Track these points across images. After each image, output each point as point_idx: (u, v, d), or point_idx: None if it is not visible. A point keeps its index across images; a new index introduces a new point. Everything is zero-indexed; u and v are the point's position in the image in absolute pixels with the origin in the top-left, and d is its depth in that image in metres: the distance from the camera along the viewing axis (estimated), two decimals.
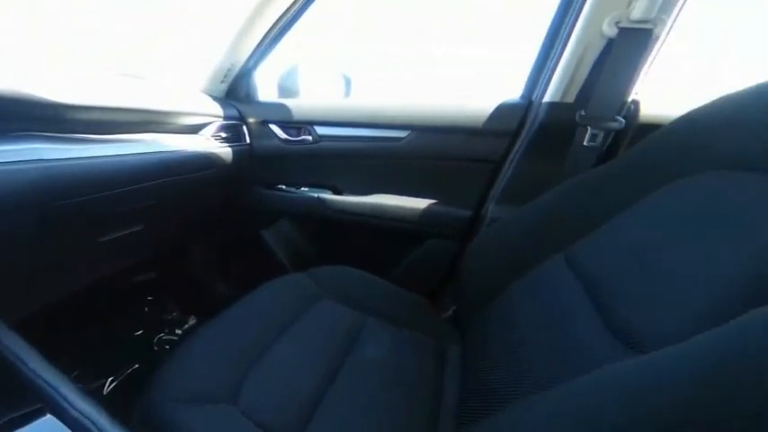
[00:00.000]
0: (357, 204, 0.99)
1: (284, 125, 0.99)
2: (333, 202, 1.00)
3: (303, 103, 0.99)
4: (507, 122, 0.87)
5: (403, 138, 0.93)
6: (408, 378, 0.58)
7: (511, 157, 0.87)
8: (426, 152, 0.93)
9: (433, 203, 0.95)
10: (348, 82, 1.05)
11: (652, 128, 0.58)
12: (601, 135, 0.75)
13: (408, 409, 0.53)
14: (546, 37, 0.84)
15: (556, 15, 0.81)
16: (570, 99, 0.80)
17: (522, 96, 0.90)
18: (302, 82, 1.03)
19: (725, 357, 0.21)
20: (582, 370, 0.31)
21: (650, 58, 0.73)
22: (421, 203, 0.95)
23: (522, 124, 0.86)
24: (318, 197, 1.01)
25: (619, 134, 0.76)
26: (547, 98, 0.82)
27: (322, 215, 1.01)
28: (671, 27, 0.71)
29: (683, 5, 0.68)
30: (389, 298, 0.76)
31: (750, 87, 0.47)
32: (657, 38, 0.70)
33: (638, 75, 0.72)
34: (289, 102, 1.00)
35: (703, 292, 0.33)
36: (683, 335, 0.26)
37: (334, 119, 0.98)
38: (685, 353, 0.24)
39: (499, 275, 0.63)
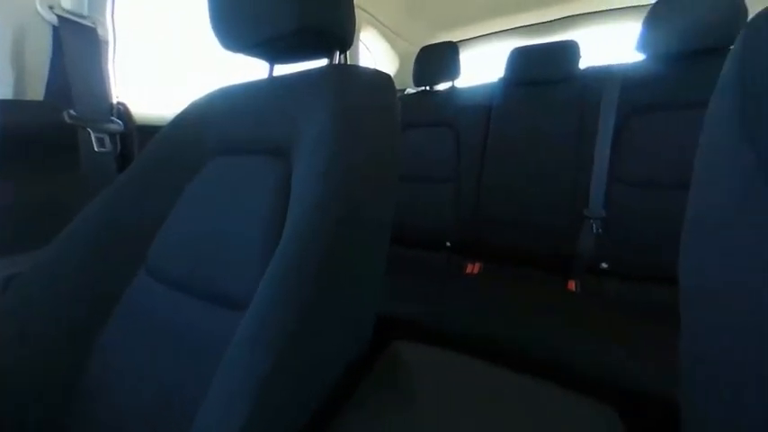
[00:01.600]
0: None
1: None
2: None
3: None
4: None
5: None
6: None
7: None
8: None
9: None
10: None
11: (152, 129, 0.62)
12: (106, 138, 0.66)
13: None
14: None
15: None
16: (37, 96, 0.61)
17: None
18: None
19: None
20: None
21: (111, 58, 0.72)
22: None
23: None
24: None
25: (125, 137, 0.73)
26: None
27: None
28: (114, 30, 0.72)
29: (113, 10, 0.71)
30: None
31: (212, 92, 0.62)
32: (107, 41, 0.70)
33: (109, 74, 0.70)
34: None
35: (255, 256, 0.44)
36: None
37: None
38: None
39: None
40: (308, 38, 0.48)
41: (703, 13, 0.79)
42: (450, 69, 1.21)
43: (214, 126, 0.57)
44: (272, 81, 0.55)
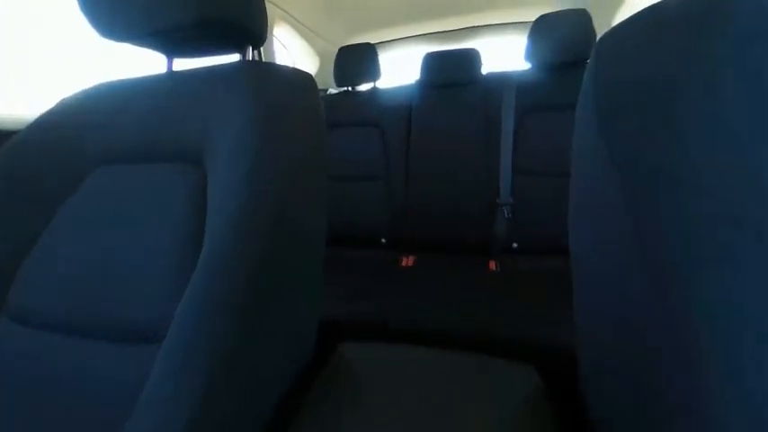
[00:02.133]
0: None
1: None
2: None
3: None
4: None
5: None
6: None
7: None
8: None
9: None
10: None
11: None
12: None
13: None
14: None
15: None
16: None
17: None
18: None
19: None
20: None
21: None
22: None
23: None
24: None
25: None
26: None
27: None
28: None
29: None
30: None
31: (89, 89, 0.51)
32: None
33: None
34: None
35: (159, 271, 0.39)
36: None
37: None
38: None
39: None
40: (214, 30, 0.43)
41: (566, 32, 0.98)
42: (371, 70, 1.23)
43: (96, 130, 0.47)
44: (173, 76, 0.48)
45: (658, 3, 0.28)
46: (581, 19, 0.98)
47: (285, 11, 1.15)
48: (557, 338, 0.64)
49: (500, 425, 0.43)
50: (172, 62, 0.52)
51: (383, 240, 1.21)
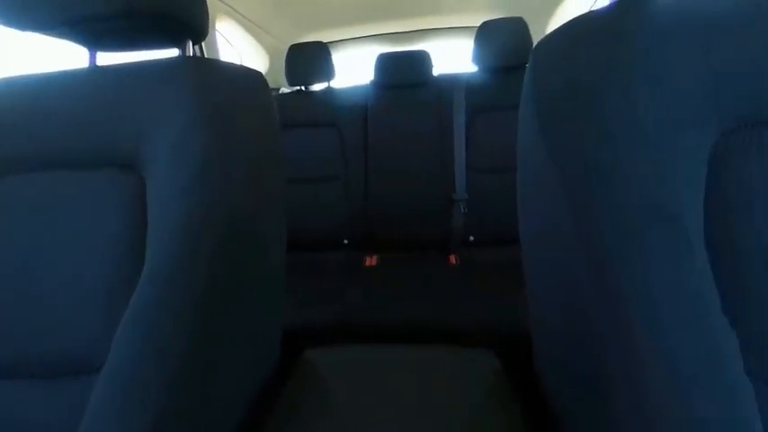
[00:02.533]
0: None
1: None
2: None
3: None
4: None
5: None
6: None
7: None
8: None
9: None
10: None
11: None
12: None
13: None
14: None
15: None
16: None
17: None
18: None
19: None
20: None
21: None
22: None
23: None
24: None
25: None
26: None
27: None
28: None
29: None
30: None
31: None
32: None
33: None
34: None
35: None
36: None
37: None
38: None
39: None
40: (144, 22, 0.39)
41: (506, 38, 1.07)
42: (324, 70, 1.21)
43: (4, 132, 0.40)
44: (96, 72, 0.42)
45: (585, 13, 0.31)
46: (518, 27, 1.06)
47: (228, 5, 1.08)
48: (514, 323, 0.69)
49: (465, 409, 0.45)
50: (95, 56, 0.46)
51: (345, 242, 1.20)
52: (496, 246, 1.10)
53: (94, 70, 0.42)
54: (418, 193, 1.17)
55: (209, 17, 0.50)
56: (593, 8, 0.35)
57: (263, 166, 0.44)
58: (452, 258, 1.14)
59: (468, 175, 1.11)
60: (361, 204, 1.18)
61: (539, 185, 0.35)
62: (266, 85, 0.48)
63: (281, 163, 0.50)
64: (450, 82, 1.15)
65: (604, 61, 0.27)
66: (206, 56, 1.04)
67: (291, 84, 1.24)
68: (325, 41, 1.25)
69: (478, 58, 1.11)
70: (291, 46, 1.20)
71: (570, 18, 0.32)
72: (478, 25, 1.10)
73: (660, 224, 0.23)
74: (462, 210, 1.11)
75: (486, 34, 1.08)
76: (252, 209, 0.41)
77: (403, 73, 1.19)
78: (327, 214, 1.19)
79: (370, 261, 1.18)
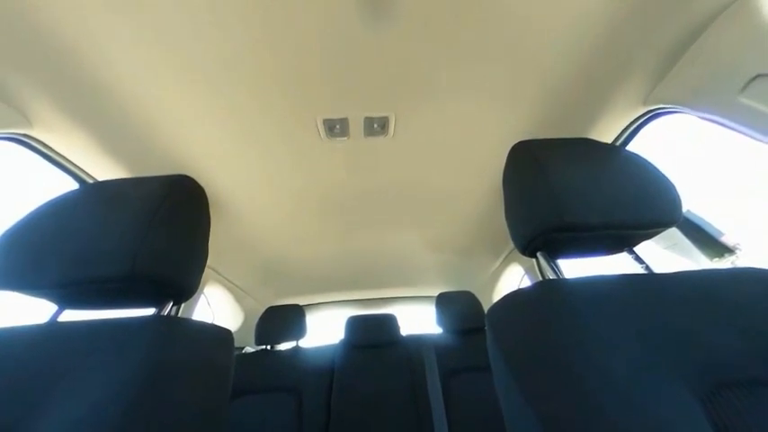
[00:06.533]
0: None
1: None
2: None
3: None
4: None
5: None
6: None
7: None
8: None
9: None
10: None
11: None
12: None
13: None
14: None
15: None
16: None
17: None
18: None
19: None
20: None
21: None
22: None
23: None
24: None
25: None
26: None
27: None
28: None
29: None
30: None
31: None
32: None
33: None
34: None
35: None
36: None
37: None
38: None
39: None
40: (141, 285, 0.40)
41: (461, 306, 1.25)
42: (296, 329, 1.23)
43: None
44: (52, 329, 0.39)
45: (517, 290, 0.39)
46: (469, 297, 1.27)
47: (221, 274, 1.25)
48: None
49: None
50: (60, 313, 0.44)
51: None
52: None
53: (51, 327, 0.39)
54: None
55: (201, 282, 0.55)
56: (520, 286, 0.46)
57: None
58: None
59: None
60: None
61: None
62: (231, 343, 0.47)
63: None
64: (419, 342, 1.18)
65: (547, 326, 0.33)
66: (181, 314, 1.06)
67: (258, 343, 1.20)
68: (300, 304, 1.37)
69: (441, 321, 1.24)
70: (269, 308, 1.28)
71: (507, 292, 0.40)
72: (436, 295, 1.30)
73: None
74: None
75: (444, 302, 1.27)
76: None
77: (372, 333, 1.23)
78: None
79: None
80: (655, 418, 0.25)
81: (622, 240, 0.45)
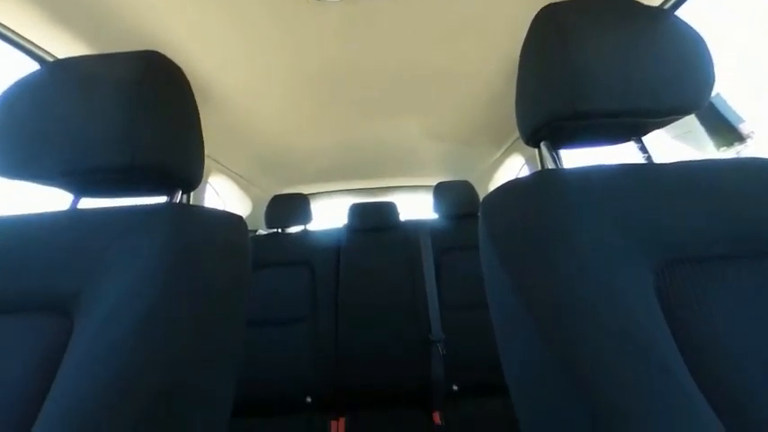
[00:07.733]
0: None
1: None
2: None
3: None
4: None
5: None
6: None
7: None
8: None
9: None
10: None
11: None
12: None
13: None
14: None
15: None
16: None
17: None
18: None
19: None
20: None
21: None
22: None
23: None
24: None
25: None
26: None
27: None
28: None
29: None
30: None
31: None
32: None
33: None
34: None
35: None
36: None
37: None
38: None
39: None
40: (143, 175, 0.42)
41: (458, 195, 1.31)
42: (302, 215, 1.33)
43: None
44: (74, 215, 0.42)
45: (514, 179, 0.40)
46: (466, 186, 1.32)
47: (223, 165, 1.27)
48: None
49: None
50: (78, 202, 0.47)
51: (309, 399, 1.01)
52: (484, 396, 0.97)
53: (73, 213, 0.43)
54: (391, 335, 1.10)
55: (204, 173, 0.56)
56: (518, 176, 0.46)
57: (221, 311, 0.41)
58: (437, 417, 0.96)
59: (442, 315, 1.09)
60: (331, 351, 1.07)
61: (513, 322, 0.35)
62: (245, 226, 0.51)
63: (244, 307, 0.47)
64: (416, 226, 1.30)
65: (537, 214, 0.34)
66: (192, 203, 1.12)
67: (269, 226, 1.32)
68: (304, 193, 1.43)
69: (438, 208, 1.31)
70: (275, 196, 1.35)
71: (504, 181, 0.41)
72: (434, 185, 1.34)
73: (633, 351, 0.25)
74: (441, 351, 1.03)
75: (442, 191, 1.32)
76: (197, 362, 0.35)
77: (373, 219, 1.34)
78: (290, 363, 1.05)
79: (336, 426, 0.96)
80: (609, 286, 0.28)
81: (633, 128, 0.43)
